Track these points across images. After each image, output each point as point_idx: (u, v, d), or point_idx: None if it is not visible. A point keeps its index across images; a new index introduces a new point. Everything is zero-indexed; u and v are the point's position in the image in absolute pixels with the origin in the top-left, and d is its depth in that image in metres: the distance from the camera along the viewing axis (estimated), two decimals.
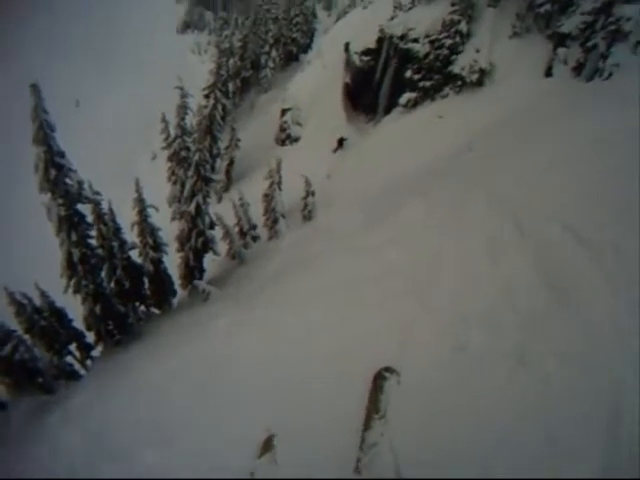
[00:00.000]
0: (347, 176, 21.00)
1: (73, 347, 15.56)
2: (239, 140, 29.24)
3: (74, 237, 12.99)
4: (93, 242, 13.88)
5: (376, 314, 7.26)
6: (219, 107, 28.73)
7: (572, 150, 9.22)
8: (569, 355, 5.18)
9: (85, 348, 15.67)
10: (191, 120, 16.67)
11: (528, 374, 5.22)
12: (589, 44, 15.73)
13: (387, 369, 5.89)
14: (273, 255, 15.99)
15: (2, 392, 14.51)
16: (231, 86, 39.38)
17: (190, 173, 15.18)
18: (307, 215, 18.11)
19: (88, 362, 15.84)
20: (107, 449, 8.32)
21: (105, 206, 13.87)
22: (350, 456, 5.31)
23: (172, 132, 17.79)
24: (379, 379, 5.80)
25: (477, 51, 19.66)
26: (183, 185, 15.65)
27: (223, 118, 29.93)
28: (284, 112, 30.30)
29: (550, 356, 5.25)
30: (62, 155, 12.34)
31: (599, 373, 4.92)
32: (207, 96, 28.65)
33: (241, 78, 41.61)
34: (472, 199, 9.25)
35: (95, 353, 15.95)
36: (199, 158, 14.95)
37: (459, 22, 19.87)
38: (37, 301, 14.28)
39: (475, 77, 19.54)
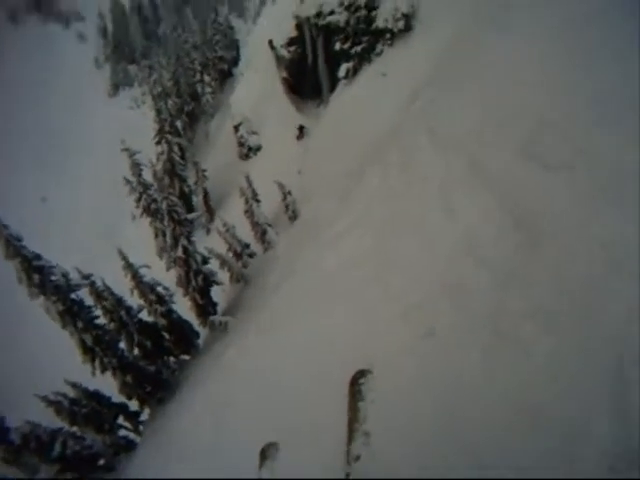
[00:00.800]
0: (315, 164, 20.86)
1: (122, 420, 15.63)
2: (205, 171, 29.12)
3: (80, 324, 13.09)
4: (101, 321, 13.96)
5: (342, 310, 7.08)
6: (175, 148, 28.81)
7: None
8: (550, 315, 4.46)
9: (133, 416, 15.78)
10: (154, 170, 16.57)
11: (505, 347, 4.60)
12: None
13: (362, 373, 5.62)
14: (272, 265, 15.96)
15: None
16: (179, 124, 39.25)
17: (165, 222, 15.17)
18: (292, 215, 18.13)
19: (140, 428, 15.97)
20: None
21: (100, 283, 13.86)
22: (338, 468, 5.06)
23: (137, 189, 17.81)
24: (355, 385, 5.53)
25: None
26: (164, 235, 15.57)
27: (183, 157, 30.05)
28: (237, 128, 30.10)
29: (528, 319, 4.55)
30: (38, 257, 12.46)
31: (591, 334, 4.10)
32: (159, 142, 28.67)
33: (185, 113, 41.62)
34: (418, 148, 8.84)
35: (144, 416, 16.07)
36: (168, 205, 14.96)
37: None
38: (72, 394, 14.28)
39: (401, 24, 19.33)
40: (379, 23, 19.81)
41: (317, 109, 24.24)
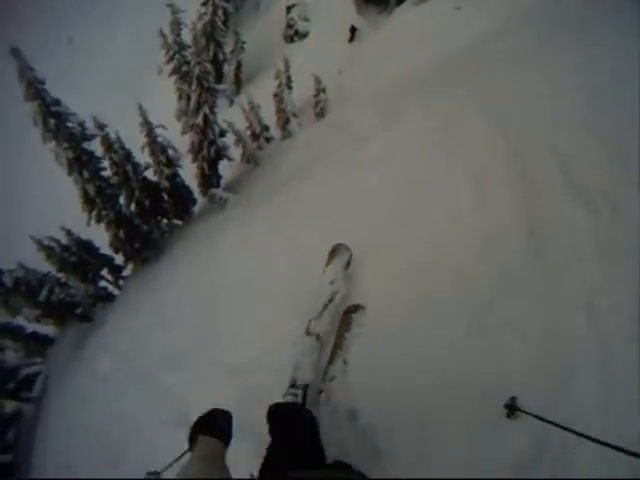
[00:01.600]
0: (359, 70, 19.97)
1: (106, 272, 16.39)
2: (244, 42, 28.14)
3: (86, 174, 13.21)
4: (106, 173, 14.12)
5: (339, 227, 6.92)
6: (219, 12, 27.59)
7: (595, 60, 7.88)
8: (530, 331, 4.60)
9: (116, 270, 16.46)
10: (195, 33, 15.96)
11: (483, 342, 4.73)
12: None
13: (355, 307, 5.61)
14: (286, 155, 15.54)
15: (51, 329, 15.77)
16: None
17: (193, 87, 14.88)
18: (319, 112, 17.67)
19: (121, 282, 16.67)
20: (134, 374, 8.43)
21: (113, 135, 13.80)
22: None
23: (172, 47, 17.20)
24: (348, 316, 5.55)
25: None
26: (189, 99, 15.31)
27: (225, 22, 28.83)
28: (289, 9, 28.79)
29: (508, 328, 4.68)
30: (58, 103, 12.28)
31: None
32: (204, 3, 27.45)
33: None
34: (470, 115, 8.11)
35: (126, 272, 16.72)
36: (200, 71, 14.62)
37: None
38: (64, 240, 14.84)
39: None
40: None
41: (378, 16, 22.85)
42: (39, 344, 15.30)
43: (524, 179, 6.12)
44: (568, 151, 6.14)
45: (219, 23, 27.53)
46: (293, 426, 3.85)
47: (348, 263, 6.15)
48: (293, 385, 5.13)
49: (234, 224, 11.30)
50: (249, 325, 6.60)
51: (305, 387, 5.10)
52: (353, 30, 23.55)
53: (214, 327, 7.27)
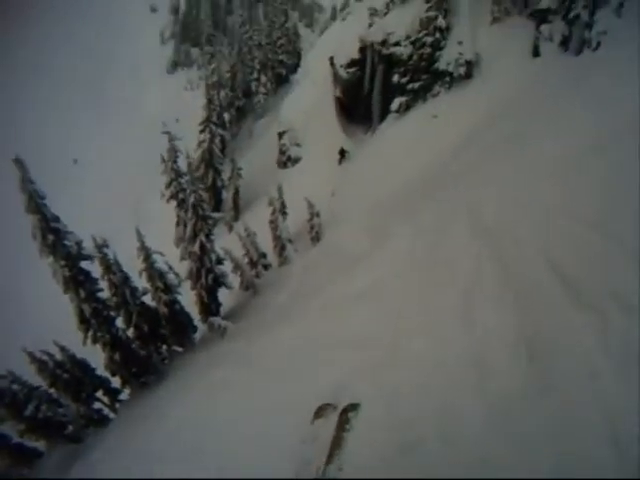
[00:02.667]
0: (351, 190, 20.78)
1: (101, 394, 15.85)
2: (240, 169, 29.31)
3: (82, 294, 13.25)
4: (103, 295, 14.11)
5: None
6: (216, 140, 28.98)
7: (569, 152, 8.20)
8: None
9: (112, 393, 15.97)
10: (189, 161, 16.60)
11: None
12: (571, 16, 15.50)
13: (352, 405, 5.70)
14: (284, 283, 15.96)
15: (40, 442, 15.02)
16: (227, 116, 39.68)
17: (189, 215, 15.22)
18: (315, 237, 18.06)
19: (117, 406, 16.09)
20: None
21: (111, 256, 14.06)
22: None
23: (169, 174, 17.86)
24: (345, 415, 5.62)
25: (459, 43, 19.37)
26: (186, 226, 15.58)
27: (223, 150, 30.18)
28: (281, 135, 30.22)
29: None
30: (57, 220, 12.65)
31: None
32: (203, 131, 28.87)
33: (235, 107, 42.03)
34: (457, 226, 8.46)
35: (124, 396, 16.19)
36: (195, 199, 15.00)
37: (436, 18, 19.62)
38: (58, 356, 14.57)
39: (462, 70, 19.22)
40: (441, 65, 19.79)
41: (363, 136, 24.31)
42: (26, 456, 14.63)
43: (515, 290, 5.96)
44: (559, 251, 6.04)
45: (217, 150, 28.89)
46: None
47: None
48: None
49: (226, 362, 11.24)
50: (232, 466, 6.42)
51: None
52: (342, 152, 24.69)
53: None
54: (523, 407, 4.40)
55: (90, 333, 14.04)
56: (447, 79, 19.80)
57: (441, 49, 19.92)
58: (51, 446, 14.78)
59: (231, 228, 27.65)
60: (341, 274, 10.80)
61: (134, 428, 12.02)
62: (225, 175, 30.32)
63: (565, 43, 15.81)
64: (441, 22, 19.51)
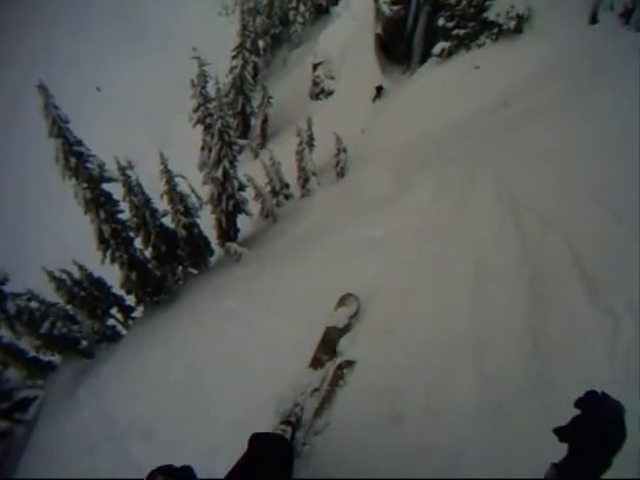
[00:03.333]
0: (381, 130, 20.41)
1: (115, 311, 16.46)
2: (271, 97, 29.04)
3: (102, 215, 13.45)
4: (123, 216, 14.35)
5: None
6: (248, 67, 28.49)
7: (615, 133, 7.54)
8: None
9: (126, 310, 16.57)
10: (221, 84, 16.27)
11: None
12: None
13: (348, 362, 5.67)
14: (303, 215, 15.97)
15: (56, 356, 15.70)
16: (261, 44, 38.79)
17: (214, 140, 15.13)
18: (340, 172, 17.89)
19: (130, 323, 16.67)
20: (111, 430, 8.41)
21: (134, 178, 14.21)
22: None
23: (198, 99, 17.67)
24: (340, 371, 5.60)
25: None
26: (210, 150, 15.55)
27: (254, 77, 29.67)
28: (316, 67, 29.59)
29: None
30: (79, 144, 12.67)
31: None
32: (235, 57, 28.38)
33: (270, 35, 40.83)
34: (483, 188, 8.08)
35: (137, 314, 16.74)
36: (222, 125, 14.86)
37: None
38: (76, 275, 15.06)
39: (512, 24, 18.23)
40: (490, 14, 18.77)
41: (401, 76, 23.52)
42: (41, 369, 15.41)
43: (531, 274, 5.64)
44: (584, 242, 5.62)
45: (248, 77, 28.45)
46: (272, 457, 3.56)
47: (356, 313, 6.17)
48: (286, 422, 5.11)
49: (236, 292, 11.18)
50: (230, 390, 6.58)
51: (295, 424, 5.12)
52: (379, 89, 24.13)
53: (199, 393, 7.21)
54: (517, 396, 4.35)
55: (109, 253, 14.34)
56: (495, 30, 18.84)
57: None
58: (65, 360, 15.33)
59: (257, 155, 27.43)
60: (358, 217, 10.58)
61: (141, 346, 12.23)
62: (255, 102, 29.94)
63: (626, 15, 14.67)
64: None
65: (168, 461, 2.48)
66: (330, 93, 28.36)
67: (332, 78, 28.69)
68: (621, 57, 12.26)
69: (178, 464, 2.57)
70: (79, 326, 14.97)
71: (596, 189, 6.39)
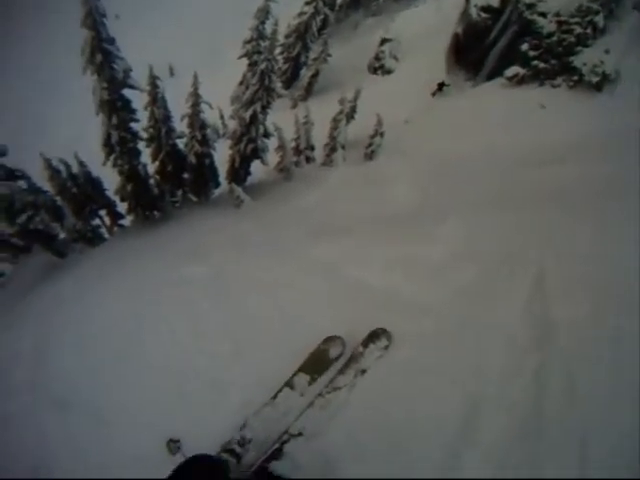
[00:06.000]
0: (425, 129, 19.40)
1: (104, 214, 15.97)
2: (329, 55, 28.04)
3: (114, 120, 12.75)
4: (137, 126, 13.66)
5: None
6: (318, 17, 27.52)
7: None
8: None
9: (115, 216, 16.06)
10: (274, 28, 15.46)
11: None
12: None
13: (384, 330, 5.96)
14: (317, 185, 15.52)
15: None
16: (339, 0, 37.38)
17: (254, 80, 14.50)
18: (369, 154, 17.32)
19: (115, 229, 16.26)
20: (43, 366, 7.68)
21: (161, 91, 13.60)
22: None
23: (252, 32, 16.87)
24: (373, 336, 5.91)
25: (606, 52, 17.35)
26: (247, 88, 14.92)
27: (321, 29, 28.73)
28: (384, 41, 28.76)
29: None
30: (111, 42, 11.81)
31: None
32: (309, 3, 27.37)
33: None
34: (520, 266, 6.86)
35: (125, 222, 16.23)
36: (266, 67, 14.19)
37: (597, 13, 17.43)
38: (75, 169, 14.55)
39: (595, 79, 17.22)
40: (577, 61, 17.80)
41: (465, 82, 22.67)
42: (15, 249, 14.82)
43: None
44: None
45: (314, 27, 27.50)
46: None
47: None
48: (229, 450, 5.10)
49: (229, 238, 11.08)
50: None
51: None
52: (441, 85, 23.27)
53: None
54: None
55: (112, 157, 13.75)
56: (575, 78, 17.83)
57: (585, 46, 17.90)
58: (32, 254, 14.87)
59: (295, 106, 26.80)
60: (370, 223, 10.03)
61: (111, 272, 11.37)
62: (312, 54, 29.06)
63: None
64: (600, 20, 17.39)
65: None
66: (389, 72, 27.57)
67: (396, 58, 27.91)
68: None
69: None
70: (61, 222, 14.42)
71: None
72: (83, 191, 14.66)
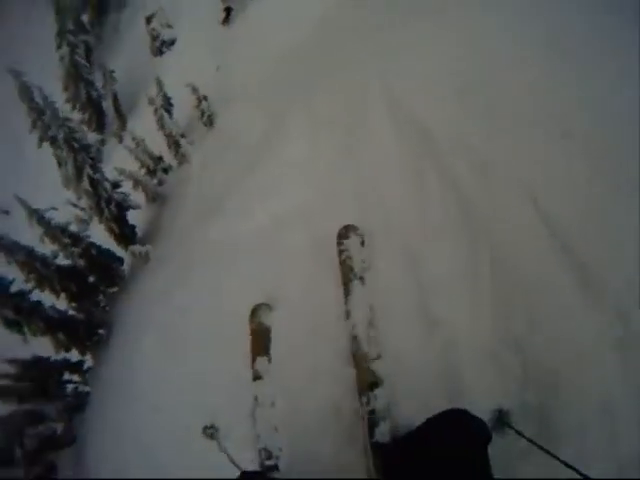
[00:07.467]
0: (237, 61, 18.63)
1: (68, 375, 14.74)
2: (112, 71, 26.21)
3: None
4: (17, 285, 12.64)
5: None
6: (79, 49, 25.89)
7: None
8: None
9: (77, 368, 14.85)
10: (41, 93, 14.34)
11: None
12: None
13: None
14: (185, 187, 15.14)
15: None
16: (85, 18, 34.86)
17: (65, 152, 13.54)
18: (207, 121, 16.51)
19: (87, 376, 14.92)
20: None
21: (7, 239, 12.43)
22: None
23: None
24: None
25: None
26: (67, 164, 13.91)
27: (88, 57, 27.16)
28: (149, 19, 26.80)
29: None
30: None
31: None
32: (60, 46, 25.58)
33: (91, 4, 36.10)
34: (373, 119, 6.70)
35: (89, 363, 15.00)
36: (64, 133, 13.15)
37: None
38: (13, 370, 12.99)
39: None
40: None
41: None
42: None
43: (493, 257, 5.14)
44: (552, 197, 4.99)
45: (81, 60, 25.77)
46: None
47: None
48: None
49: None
50: None
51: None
52: (228, 10, 22.06)
53: None
54: None
55: (25, 329, 12.68)
56: None
57: None
58: None
59: (121, 139, 25.28)
60: (238, 188, 10.04)
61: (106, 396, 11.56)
62: (100, 84, 27.26)
63: None
64: None
65: None
66: (172, 43, 26.13)
67: (170, 26, 26.31)
68: None
69: None
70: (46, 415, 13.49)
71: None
72: (34, 377, 13.37)
